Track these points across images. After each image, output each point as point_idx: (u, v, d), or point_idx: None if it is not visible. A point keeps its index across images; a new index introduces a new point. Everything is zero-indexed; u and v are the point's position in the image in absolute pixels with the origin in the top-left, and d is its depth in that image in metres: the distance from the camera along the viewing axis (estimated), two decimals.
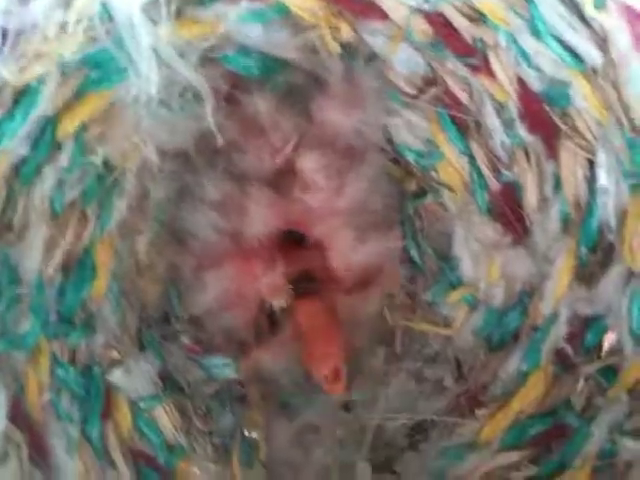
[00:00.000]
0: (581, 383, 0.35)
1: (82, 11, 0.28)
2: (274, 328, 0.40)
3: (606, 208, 0.34)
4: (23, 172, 0.32)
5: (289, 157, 0.39)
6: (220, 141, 0.35)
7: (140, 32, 0.28)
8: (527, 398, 0.37)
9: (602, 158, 0.34)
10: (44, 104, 0.31)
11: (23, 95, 0.30)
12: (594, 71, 0.32)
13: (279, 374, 0.40)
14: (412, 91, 0.38)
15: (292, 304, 0.39)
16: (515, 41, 0.33)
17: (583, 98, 0.33)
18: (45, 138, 0.33)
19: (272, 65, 0.38)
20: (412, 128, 0.40)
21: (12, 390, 0.32)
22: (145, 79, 0.30)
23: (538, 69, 0.33)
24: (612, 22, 0.29)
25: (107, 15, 0.28)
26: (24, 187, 0.33)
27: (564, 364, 0.36)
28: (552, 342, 0.36)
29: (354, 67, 0.36)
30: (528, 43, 0.32)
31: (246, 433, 0.39)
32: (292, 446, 0.39)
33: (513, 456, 0.36)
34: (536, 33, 0.32)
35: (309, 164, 0.39)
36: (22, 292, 0.33)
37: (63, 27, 0.28)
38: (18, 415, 0.32)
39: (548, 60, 0.33)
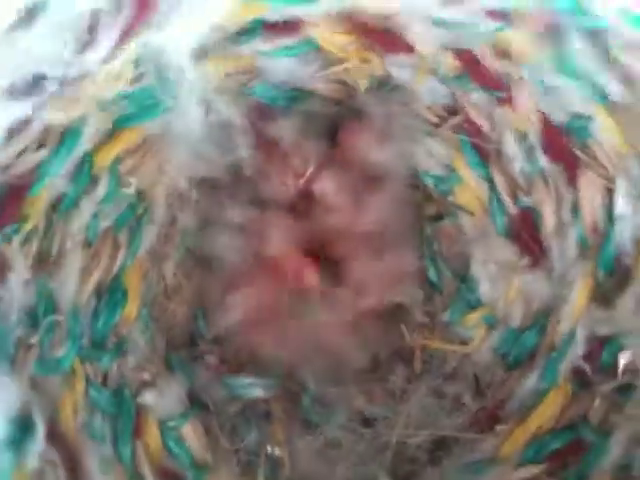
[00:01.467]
0: (598, 400, 0.37)
1: (131, 55, 0.28)
2: None
3: (623, 234, 0.36)
4: (61, 206, 0.33)
5: (312, 180, 0.41)
6: (249, 171, 0.36)
7: (187, 75, 0.29)
8: (545, 415, 0.38)
9: (621, 187, 0.35)
10: (85, 142, 0.32)
11: (66, 135, 0.31)
12: (618, 107, 0.33)
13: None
14: (434, 120, 0.40)
15: None
16: (540, 76, 0.34)
17: (604, 131, 0.34)
18: (83, 173, 0.33)
19: (298, 96, 0.39)
20: (433, 155, 0.41)
21: (48, 412, 0.32)
22: (188, 117, 0.30)
23: (561, 103, 0.35)
24: (637, 63, 0.31)
25: (153, 56, 0.29)
26: (61, 219, 0.33)
27: (581, 382, 0.37)
28: (569, 361, 0.38)
29: (386, 99, 0.38)
30: (553, 79, 0.34)
31: (270, 450, 0.40)
32: (315, 462, 0.40)
33: (532, 470, 0.37)
34: (562, 70, 0.33)
35: (330, 187, 0.40)
36: (59, 319, 0.33)
37: (113, 73, 0.28)
38: (54, 436, 0.32)
39: (572, 96, 0.34)
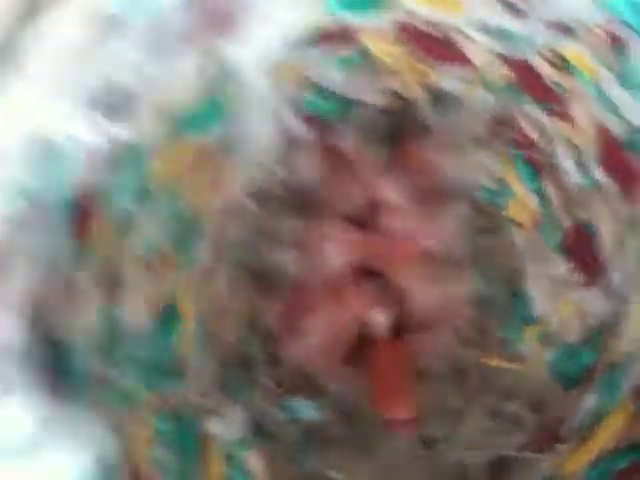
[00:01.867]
0: None
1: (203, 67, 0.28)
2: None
3: None
4: (124, 227, 0.33)
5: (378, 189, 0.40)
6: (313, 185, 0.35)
7: (258, 88, 0.28)
8: (608, 434, 0.38)
9: None
10: (151, 159, 0.32)
11: (133, 152, 0.31)
12: None
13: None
14: (485, 132, 0.40)
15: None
16: (601, 90, 0.34)
17: None
18: (142, 189, 0.33)
19: (351, 108, 0.39)
20: (484, 167, 0.41)
21: (125, 452, 0.32)
22: (256, 131, 0.30)
23: (623, 118, 0.34)
24: None
25: (225, 69, 0.29)
26: (122, 239, 0.33)
27: None
28: (632, 379, 0.37)
29: (444, 111, 0.37)
30: (615, 94, 0.34)
31: (330, 474, 0.40)
32: None
33: None
34: (626, 84, 0.33)
35: (397, 197, 0.40)
36: (128, 349, 0.33)
37: (188, 89, 0.28)
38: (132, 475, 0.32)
39: (634, 110, 0.34)
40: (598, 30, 0.32)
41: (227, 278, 0.41)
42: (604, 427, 0.38)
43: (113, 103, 0.25)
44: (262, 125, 0.31)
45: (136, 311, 0.34)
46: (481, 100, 0.38)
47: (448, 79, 0.37)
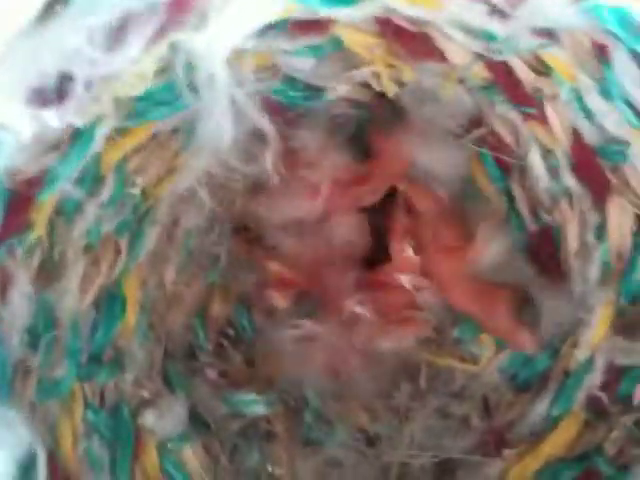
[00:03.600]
0: (615, 432, 0.36)
1: (158, 55, 0.25)
2: None
3: None
4: (66, 210, 0.30)
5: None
6: (275, 181, 0.33)
7: (221, 83, 0.26)
8: (558, 442, 0.37)
9: None
10: (97, 145, 0.29)
11: (78, 137, 0.28)
12: None
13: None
14: (458, 129, 0.38)
15: None
16: (580, 97, 0.33)
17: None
18: (89, 174, 0.30)
19: (319, 97, 0.37)
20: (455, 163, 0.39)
21: (48, 442, 0.30)
22: (216, 122, 0.28)
23: (598, 126, 0.33)
24: None
25: (184, 58, 0.26)
26: (65, 225, 0.31)
27: (597, 412, 0.36)
28: (585, 389, 0.37)
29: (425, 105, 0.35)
30: (594, 101, 0.32)
31: (271, 469, 0.38)
32: None
33: None
34: (605, 93, 0.31)
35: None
36: (59, 335, 0.30)
37: (137, 73, 0.26)
38: (55, 469, 0.30)
39: (612, 119, 0.32)
40: (582, 37, 0.30)
41: (178, 266, 0.39)
42: (554, 434, 0.37)
43: (54, 89, 0.22)
44: (221, 114, 0.28)
45: (74, 298, 0.32)
46: (457, 97, 0.37)
47: (422, 74, 0.35)
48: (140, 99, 0.30)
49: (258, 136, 0.32)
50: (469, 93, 0.36)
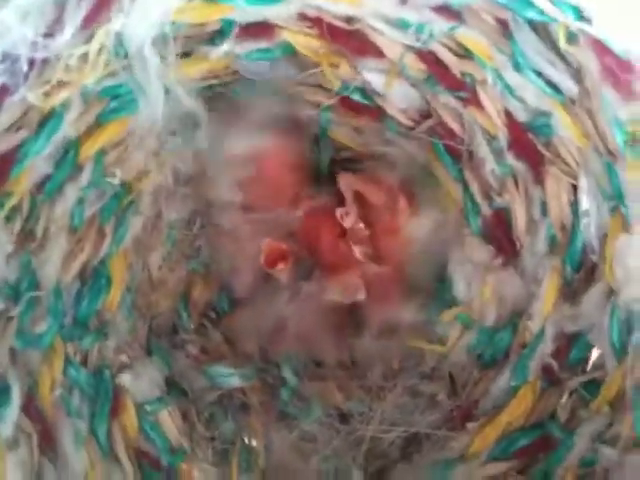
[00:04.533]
0: (565, 396, 0.37)
1: (101, 43, 0.31)
2: None
3: (589, 230, 0.36)
4: (47, 188, 0.35)
5: None
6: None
7: (149, 63, 0.31)
8: (515, 412, 0.38)
9: (584, 183, 0.36)
10: (66, 128, 0.34)
11: (47, 119, 0.33)
12: (572, 101, 0.34)
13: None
14: (409, 123, 0.42)
15: None
16: (500, 76, 0.35)
17: (564, 127, 0.35)
18: (68, 159, 0.36)
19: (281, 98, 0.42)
20: (411, 156, 0.43)
21: (26, 385, 0.34)
22: (153, 106, 0.33)
23: (522, 101, 0.36)
24: (583, 55, 0.32)
25: (122, 48, 0.32)
26: (47, 202, 0.36)
27: (550, 379, 0.38)
28: (539, 358, 0.38)
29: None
30: (512, 77, 0.35)
31: (246, 441, 0.41)
32: (290, 453, 0.41)
33: (501, 467, 0.37)
34: (518, 68, 0.34)
35: None
36: (40, 295, 0.35)
37: (84, 58, 0.31)
38: (31, 408, 0.34)
39: (531, 93, 0.35)
40: (484, 15, 0.33)
41: (162, 254, 0.43)
42: (512, 405, 0.38)
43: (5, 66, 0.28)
44: (160, 103, 0.33)
45: (56, 269, 0.36)
46: (402, 92, 0.40)
47: (366, 71, 0.39)
48: (110, 93, 0.35)
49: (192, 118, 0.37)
50: (414, 87, 0.40)
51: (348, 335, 0.44)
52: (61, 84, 0.32)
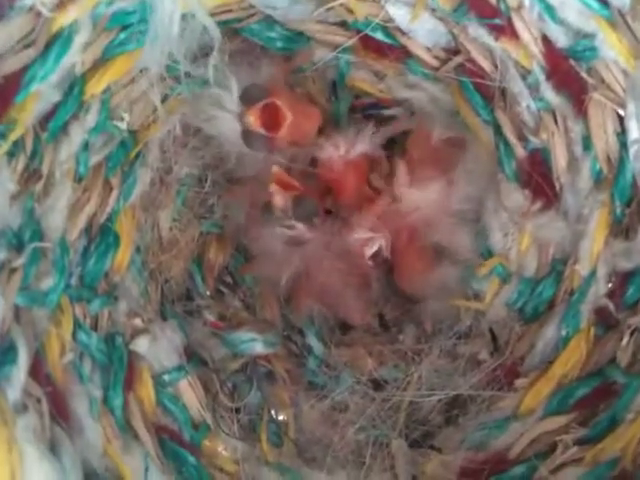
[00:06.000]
0: (626, 338, 0.34)
1: None
2: None
3: (638, 160, 0.34)
4: (51, 126, 0.32)
5: None
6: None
7: None
8: (569, 362, 0.35)
9: (631, 110, 0.34)
10: (75, 52, 0.31)
11: (56, 39, 0.30)
12: (621, 15, 0.32)
13: None
14: (434, 63, 0.39)
15: None
16: None
17: (610, 48, 0.33)
18: (73, 95, 0.32)
19: (295, 39, 0.39)
20: (436, 100, 0.40)
21: (33, 347, 0.30)
22: (166, 30, 0.30)
23: (563, 23, 0.34)
24: None
25: None
26: (51, 142, 0.32)
27: (606, 322, 0.35)
28: (591, 302, 0.35)
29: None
30: None
31: (273, 414, 0.37)
32: (322, 425, 0.37)
33: (560, 421, 0.34)
34: None
35: None
36: (46, 247, 0.31)
37: None
38: (39, 372, 0.30)
39: (574, 11, 0.33)
40: None
41: (172, 213, 0.40)
42: (565, 356, 0.36)
43: None
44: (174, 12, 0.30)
45: (62, 218, 0.33)
46: (428, 29, 0.38)
47: (391, 6, 0.37)
48: (119, 22, 0.32)
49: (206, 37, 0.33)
50: (441, 21, 0.37)
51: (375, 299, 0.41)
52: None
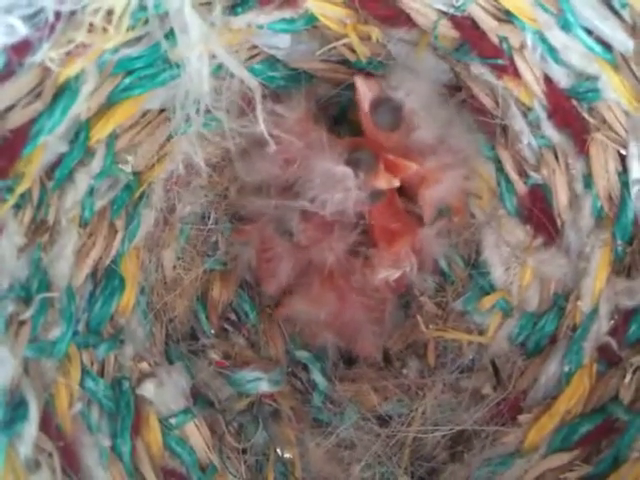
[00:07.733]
0: (629, 376, 0.34)
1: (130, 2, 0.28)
2: None
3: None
4: (57, 174, 0.31)
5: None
6: (273, 147, 0.34)
7: (192, 26, 0.28)
8: (572, 398, 0.36)
9: (633, 150, 0.34)
10: (82, 102, 0.31)
11: (63, 91, 0.30)
12: (624, 59, 0.33)
13: None
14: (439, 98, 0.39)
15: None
16: (543, 38, 0.33)
17: (612, 90, 0.33)
18: (79, 142, 0.32)
19: (297, 77, 0.39)
20: None
21: (42, 399, 0.30)
22: (197, 74, 0.30)
23: (566, 64, 0.34)
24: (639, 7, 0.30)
25: (158, 8, 0.28)
26: (57, 190, 0.32)
27: (609, 359, 0.35)
28: (593, 339, 0.36)
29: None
30: (557, 38, 0.33)
31: (279, 451, 0.37)
32: (328, 462, 0.37)
33: (564, 457, 0.35)
34: (566, 26, 0.32)
35: None
36: (53, 297, 0.31)
37: (108, 18, 0.28)
38: (49, 425, 0.30)
39: (577, 54, 0.33)
40: None
41: (176, 251, 0.40)
42: (568, 392, 0.36)
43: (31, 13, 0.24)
44: (206, 70, 0.30)
45: (68, 265, 0.32)
46: (430, 66, 0.38)
47: (393, 44, 0.36)
48: (126, 67, 0.32)
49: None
50: (443, 59, 0.38)
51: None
52: (81, 48, 0.28)
